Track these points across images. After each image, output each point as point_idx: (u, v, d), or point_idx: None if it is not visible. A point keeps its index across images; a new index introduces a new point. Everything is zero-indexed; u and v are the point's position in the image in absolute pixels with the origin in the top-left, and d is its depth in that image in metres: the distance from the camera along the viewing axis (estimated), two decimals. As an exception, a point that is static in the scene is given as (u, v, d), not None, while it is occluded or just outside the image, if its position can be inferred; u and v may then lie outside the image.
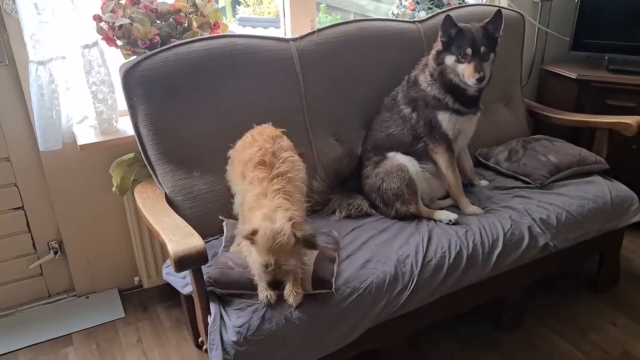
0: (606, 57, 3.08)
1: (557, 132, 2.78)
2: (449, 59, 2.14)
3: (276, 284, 1.66)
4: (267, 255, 1.57)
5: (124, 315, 2.49)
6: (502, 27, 2.15)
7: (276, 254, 1.57)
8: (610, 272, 2.58)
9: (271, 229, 1.56)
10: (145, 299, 2.60)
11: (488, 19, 2.13)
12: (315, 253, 1.80)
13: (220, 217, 2.05)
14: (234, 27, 3.18)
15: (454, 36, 2.12)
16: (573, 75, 2.99)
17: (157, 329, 2.41)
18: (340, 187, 2.29)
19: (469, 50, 2.08)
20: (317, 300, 1.68)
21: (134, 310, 2.53)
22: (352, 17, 3.63)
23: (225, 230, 2.02)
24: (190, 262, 1.53)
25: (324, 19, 3.42)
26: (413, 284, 1.82)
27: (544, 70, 3.27)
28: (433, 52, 2.21)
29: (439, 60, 2.17)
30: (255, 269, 1.63)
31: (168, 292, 2.53)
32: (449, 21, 2.10)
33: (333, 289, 1.70)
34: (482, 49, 2.09)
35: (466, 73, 2.09)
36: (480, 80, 2.07)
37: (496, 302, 2.26)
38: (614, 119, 2.50)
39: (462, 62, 2.11)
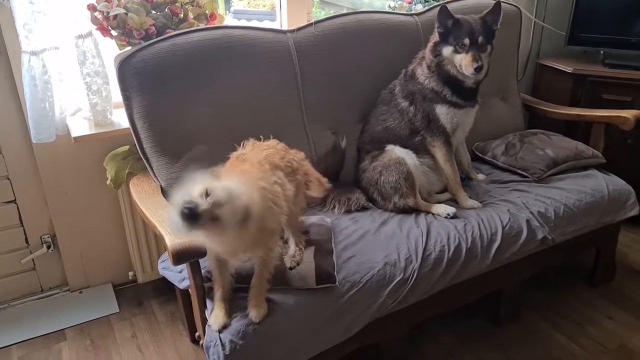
0: (602, 52, 3.08)
1: (552, 126, 2.79)
2: (446, 50, 2.12)
3: None
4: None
5: (118, 310, 2.46)
6: (500, 19, 2.14)
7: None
8: (606, 266, 2.59)
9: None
10: (140, 294, 2.57)
11: (487, 11, 2.12)
12: (312, 248, 1.80)
13: None
14: (228, 20, 3.14)
15: (451, 27, 2.11)
16: (569, 70, 2.98)
17: (152, 324, 2.38)
18: (334, 182, 2.26)
19: (466, 40, 2.07)
20: (317, 295, 1.67)
21: (128, 305, 2.50)
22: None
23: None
24: (188, 255, 1.50)
25: (317, 14, 3.39)
26: (413, 278, 1.81)
27: (539, 65, 3.27)
28: (430, 44, 2.20)
29: (436, 52, 2.15)
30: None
31: (162, 287, 2.52)
32: (444, 11, 2.10)
33: (337, 282, 1.69)
34: (480, 39, 2.08)
35: (464, 63, 2.08)
36: (478, 69, 2.06)
37: (493, 296, 2.25)
38: (611, 113, 2.50)
39: (459, 53, 2.09)
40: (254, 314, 1.56)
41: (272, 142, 1.82)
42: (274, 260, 1.62)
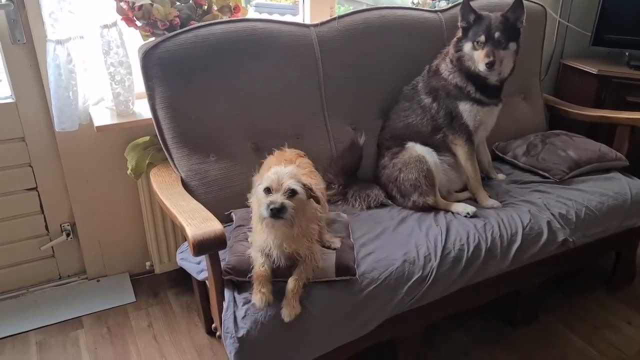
0: (627, 53, 3.04)
1: (573, 127, 2.75)
2: (467, 46, 2.13)
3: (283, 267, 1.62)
4: (270, 176, 1.52)
5: (134, 299, 2.48)
6: (524, 16, 2.11)
7: (280, 177, 1.51)
8: (626, 270, 2.55)
9: (278, 168, 1.57)
10: (156, 284, 2.58)
11: (508, 7, 2.10)
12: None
13: (226, 213, 2.03)
14: (250, 13, 3.14)
15: (472, 22, 2.11)
16: (594, 71, 2.95)
17: (167, 315, 2.40)
18: (352, 179, 2.26)
19: (482, 37, 2.07)
20: (336, 290, 1.66)
21: (144, 295, 2.52)
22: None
23: (234, 220, 2.00)
24: (209, 246, 1.52)
25: (337, 10, 3.39)
26: (432, 276, 1.80)
27: (563, 65, 3.24)
28: (454, 39, 2.20)
29: (458, 47, 2.16)
30: (257, 199, 1.56)
31: (179, 278, 2.53)
32: (466, 6, 2.10)
33: (357, 275, 1.69)
34: (497, 35, 2.07)
35: (477, 58, 2.08)
36: (489, 65, 2.05)
37: (510, 296, 2.23)
38: (637, 116, 2.46)
39: (476, 49, 2.10)
40: (286, 312, 1.55)
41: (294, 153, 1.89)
42: (313, 263, 1.64)
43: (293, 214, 1.51)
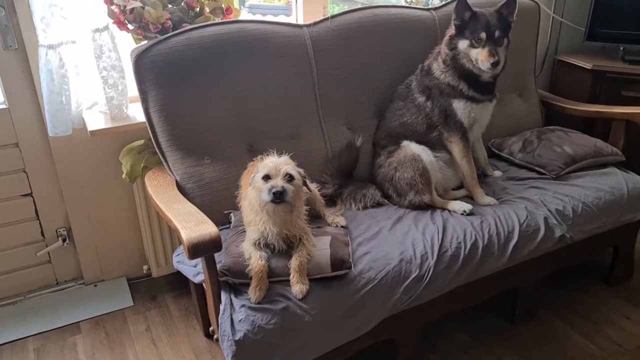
0: (621, 48, 3.04)
1: (569, 123, 2.74)
2: (462, 44, 2.11)
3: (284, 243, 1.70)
4: (267, 164, 1.61)
5: (132, 304, 2.47)
6: (516, 11, 2.11)
7: (277, 165, 1.61)
8: (624, 265, 2.55)
9: (273, 157, 1.67)
10: (154, 288, 2.58)
11: (502, 3, 2.10)
12: (328, 238, 1.80)
13: (226, 212, 2.04)
14: (244, 15, 3.13)
15: (468, 20, 2.09)
16: (588, 66, 2.95)
17: (165, 318, 2.39)
18: (348, 179, 2.26)
19: (483, 35, 2.05)
20: (332, 291, 1.66)
21: (142, 299, 2.51)
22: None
23: (232, 221, 2.00)
24: (204, 249, 1.51)
25: (331, 10, 3.38)
26: (429, 275, 1.79)
27: (557, 61, 3.23)
28: (446, 37, 2.19)
29: (452, 45, 2.14)
30: (255, 187, 1.63)
31: (176, 281, 2.53)
32: (462, 3, 2.08)
33: (353, 268, 1.70)
34: (497, 33, 2.06)
35: (480, 57, 2.06)
36: (494, 64, 2.04)
37: (509, 294, 2.23)
38: (632, 110, 2.45)
39: (475, 47, 2.08)
40: (297, 289, 1.61)
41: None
42: (309, 244, 1.70)
43: (293, 197, 1.60)
